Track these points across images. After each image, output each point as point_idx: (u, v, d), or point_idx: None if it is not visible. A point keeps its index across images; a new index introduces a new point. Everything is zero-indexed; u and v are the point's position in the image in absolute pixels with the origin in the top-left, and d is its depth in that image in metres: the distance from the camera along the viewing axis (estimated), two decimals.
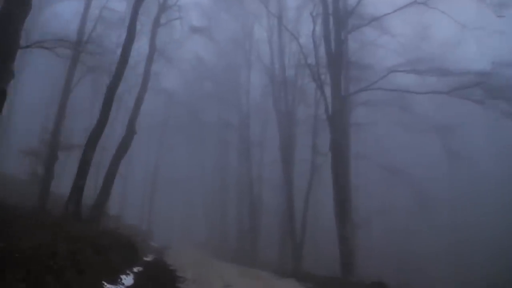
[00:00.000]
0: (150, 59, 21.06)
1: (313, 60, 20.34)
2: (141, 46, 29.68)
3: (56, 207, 21.42)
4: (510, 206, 28.34)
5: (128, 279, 10.49)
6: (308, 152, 35.93)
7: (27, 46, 12.05)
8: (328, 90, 18.07)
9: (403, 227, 31.79)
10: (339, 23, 18.00)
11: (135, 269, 12.90)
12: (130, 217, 45.22)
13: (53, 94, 30.88)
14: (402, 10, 18.30)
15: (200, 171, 46.85)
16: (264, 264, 26.65)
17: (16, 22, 9.43)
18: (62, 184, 32.20)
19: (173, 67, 39.52)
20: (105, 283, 8.51)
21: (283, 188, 32.79)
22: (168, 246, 35.55)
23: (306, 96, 28.58)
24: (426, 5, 17.48)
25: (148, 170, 43.63)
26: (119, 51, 27.20)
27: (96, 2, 23.59)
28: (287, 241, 28.88)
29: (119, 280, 9.72)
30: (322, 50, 19.68)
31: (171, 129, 41.60)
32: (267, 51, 30.49)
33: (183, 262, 19.59)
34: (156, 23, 21.33)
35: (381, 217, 28.35)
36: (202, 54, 36.97)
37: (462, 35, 20.77)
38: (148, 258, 20.41)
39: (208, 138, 43.71)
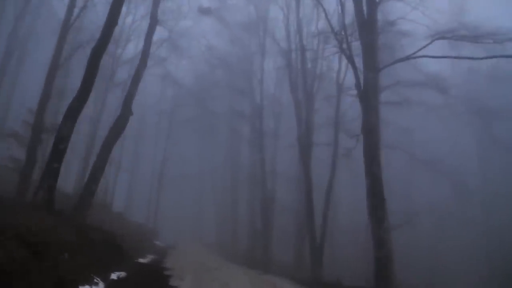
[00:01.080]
0: (150, 31, 18.10)
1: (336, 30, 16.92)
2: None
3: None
4: None
5: None
6: (325, 148, 32.89)
7: None
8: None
9: (433, 226, 28.15)
10: None
11: (114, 275, 9.74)
12: (137, 215, 42.45)
13: None
14: None
15: (210, 166, 43.66)
16: (279, 268, 23.41)
17: None
18: None
19: (182, 55, 36.78)
20: None
21: (300, 184, 29.63)
22: (174, 246, 32.53)
23: (326, 82, 25.33)
24: None
25: (156, 165, 40.59)
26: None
27: None
28: (303, 243, 25.57)
29: None
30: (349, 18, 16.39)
31: (180, 122, 38.53)
32: (283, 34, 27.24)
33: (184, 265, 16.48)
34: None
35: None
36: (212, 40, 34.05)
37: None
38: (144, 260, 17.36)
39: (219, 131, 40.62)
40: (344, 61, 22.36)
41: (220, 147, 41.78)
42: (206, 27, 34.18)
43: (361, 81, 14.74)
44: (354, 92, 27.36)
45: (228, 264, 20.18)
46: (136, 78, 17.06)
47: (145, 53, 17.56)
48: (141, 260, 16.76)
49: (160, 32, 30.79)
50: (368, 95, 14.20)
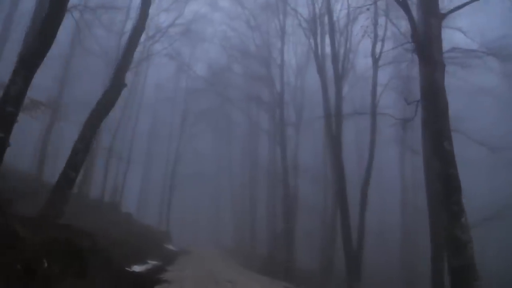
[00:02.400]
0: None
1: None
2: None
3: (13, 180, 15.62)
4: None
5: None
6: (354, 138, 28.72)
7: None
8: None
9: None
10: None
11: None
12: (149, 217, 39.10)
13: None
14: None
15: (226, 163, 39.82)
16: (304, 278, 19.47)
17: None
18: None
19: (196, 42, 33.41)
20: None
21: (326, 180, 25.68)
22: (187, 250, 28.93)
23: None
24: None
25: (169, 164, 37.06)
26: None
27: None
28: (332, 248, 21.58)
29: None
30: None
31: (194, 115, 34.92)
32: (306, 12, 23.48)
33: (189, 275, 12.80)
34: None
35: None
36: (228, 25, 30.43)
37: None
38: (141, 268, 13.70)
39: (235, 124, 36.87)
40: (381, 31, 18.49)
41: (237, 142, 38.08)
42: (222, 10, 30.78)
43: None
44: (392, 67, 23.54)
45: (244, 273, 16.35)
46: (131, 43, 13.58)
47: (143, 14, 14.01)
48: (136, 269, 13.09)
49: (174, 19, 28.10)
50: (431, 47, 10.23)
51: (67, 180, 11.51)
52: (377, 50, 18.56)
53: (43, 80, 26.30)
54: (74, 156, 11.75)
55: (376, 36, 18.50)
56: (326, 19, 21.34)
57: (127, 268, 12.39)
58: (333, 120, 18.70)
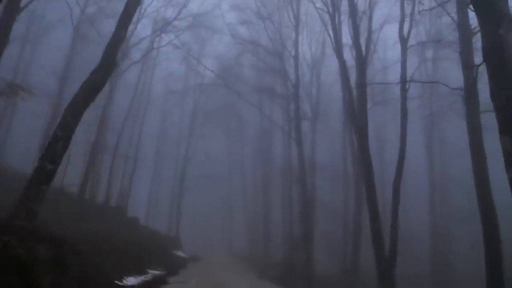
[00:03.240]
0: None
1: None
2: None
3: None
4: None
5: None
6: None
7: None
8: None
9: None
10: None
11: None
12: (159, 222, 37.03)
13: None
14: None
15: (238, 164, 37.39)
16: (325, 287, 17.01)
17: None
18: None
19: (205, 38, 31.45)
20: None
21: (346, 178, 23.22)
22: (197, 257, 26.76)
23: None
24: None
25: (179, 166, 34.89)
26: None
27: None
28: (356, 253, 19.09)
29: None
30: None
31: (204, 114, 32.70)
32: None
33: None
34: None
35: None
36: (237, 17, 28.28)
37: None
38: (135, 280, 11.55)
39: (248, 125, 34.57)
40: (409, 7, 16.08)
41: (249, 142, 35.71)
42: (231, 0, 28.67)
43: None
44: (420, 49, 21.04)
45: (259, 285, 13.96)
46: (125, 16, 11.42)
47: None
48: (130, 281, 10.90)
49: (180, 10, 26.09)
50: None
51: (43, 174, 9.38)
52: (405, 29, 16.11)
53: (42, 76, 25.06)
54: (52, 146, 9.62)
55: (403, 12, 16.11)
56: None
57: (117, 281, 10.19)
58: (357, 109, 16.27)
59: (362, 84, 16.57)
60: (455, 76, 16.13)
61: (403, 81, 15.51)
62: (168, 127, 38.85)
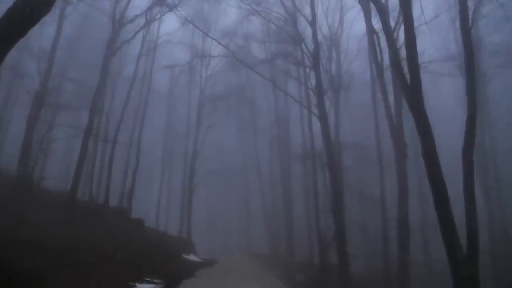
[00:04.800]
0: None
1: None
2: None
3: None
4: None
5: None
6: None
7: None
8: None
9: None
10: None
11: None
12: (171, 224, 33.41)
13: None
14: None
15: (254, 156, 33.18)
16: None
17: None
18: None
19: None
20: None
21: (383, 159, 19.05)
22: (211, 260, 22.95)
23: None
24: None
25: (188, 162, 31.07)
26: None
27: None
28: (404, 247, 14.96)
29: None
30: None
31: (212, 101, 28.74)
32: None
33: None
34: None
35: None
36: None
37: None
38: None
39: (261, 113, 30.60)
40: None
41: (263, 131, 31.58)
42: None
43: None
44: None
45: None
46: None
47: None
48: None
49: None
50: None
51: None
52: None
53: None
54: None
55: None
56: None
57: None
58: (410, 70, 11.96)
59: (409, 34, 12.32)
60: None
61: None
62: (175, 122, 35.28)
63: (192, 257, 23.21)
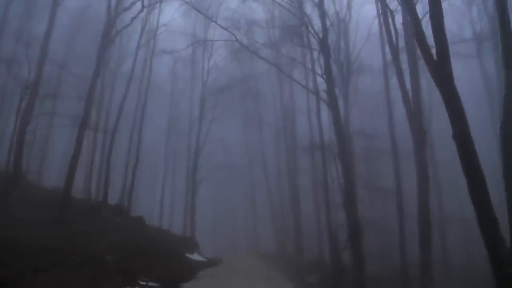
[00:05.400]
0: None
1: None
2: None
3: None
4: None
5: None
6: None
7: None
8: None
9: None
10: None
11: None
12: (175, 223, 32.13)
13: None
14: None
15: (259, 151, 31.60)
16: None
17: None
18: None
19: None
20: None
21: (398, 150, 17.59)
22: (217, 260, 21.55)
23: None
24: None
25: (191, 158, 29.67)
26: None
27: None
28: (426, 244, 13.49)
29: None
30: None
31: (216, 93, 27.24)
32: None
33: None
34: None
35: None
36: None
37: None
38: None
39: (267, 105, 29.13)
40: None
41: (269, 125, 30.06)
42: None
43: None
44: None
45: None
46: None
47: None
48: None
49: None
50: None
51: None
52: None
53: None
54: None
55: None
56: None
57: None
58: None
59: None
60: None
61: None
62: (177, 119, 33.97)
63: (196, 256, 21.84)
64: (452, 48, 9.92)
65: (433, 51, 9.91)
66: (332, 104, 15.72)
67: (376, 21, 21.09)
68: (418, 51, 15.45)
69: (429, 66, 10.08)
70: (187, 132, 31.56)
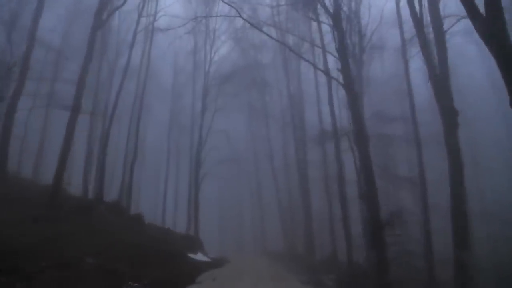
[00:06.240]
0: None
1: None
2: None
3: None
4: None
5: None
6: None
7: None
8: None
9: None
10: None
11: None
12: (179, 221, 30.32)
13: None
14: None
15: (265, 143, 29.51)
16: None
17: None
18: None
19: None
20: None
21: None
22: (222, 260, 19.80)
23: None
24: None
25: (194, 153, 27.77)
26: None
27: None
28: (462, 244, 11.51)
29: None
30: None
31: (220, 80, 25.25)
32: None
33: None
34: None
35: None
36: None
37: None
38: None
39: (273, 96, 27.19)
40: None
41: (275, 114, 28.02)
42: None
43: None
44: None
45: None
46: None
47: None
48: None
49: None
50: None
51: None
52: None
53: None
54: None
55: None
56: None
57: None
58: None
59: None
60: None
61: None
62: (180, 114, 32.18)
63: (199, 256, 20.02)
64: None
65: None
66: (347, 83, 13.76)
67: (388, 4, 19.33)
68: (446, 22, 13.68)
69: (475, 22, 8.10)
70: (189, 126, 29.73)
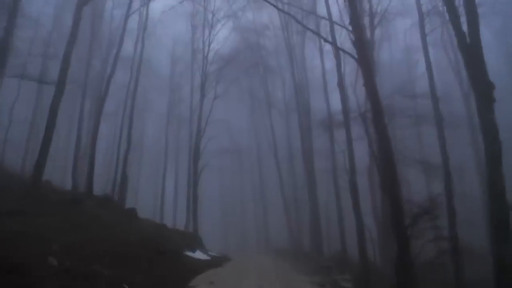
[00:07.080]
0: None
1: None
2: None
3: None
4: None
5: None
6: None
7: None
8: None
9: None
10: None
11: None
12: (179, 217, 28.61)
13: None
14: None
15: (268, 134, 27.51)
16: None
17: None
18: None
19: None
20: None
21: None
22: (223, 258, 18.04)
23: None
24: None
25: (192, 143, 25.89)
26: None
27: None
28: (499, 240, 9.54)
29: None
30: None
31: (220, 73, 23.31)
32: None
33: None
34: None
35: None
36: None
37: None
38: None
39: (276, 82, 25.28)
40: None
41: (278, 102, 26.07)
42: None
43: None
44: None
45: None
46: None
47: None
48: None
49: None
50: None
51: None
52: None
53: None
54: None
55: None
56: None
57: None
58: None
59: None
60: None
61: None
62: (178, 103, 30.36)
63: (198, 255, 18.23)
64: None
65: None
66: (362, 58, 11.83)
67: None
68: None
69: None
70: (188, 118, 27.85)
